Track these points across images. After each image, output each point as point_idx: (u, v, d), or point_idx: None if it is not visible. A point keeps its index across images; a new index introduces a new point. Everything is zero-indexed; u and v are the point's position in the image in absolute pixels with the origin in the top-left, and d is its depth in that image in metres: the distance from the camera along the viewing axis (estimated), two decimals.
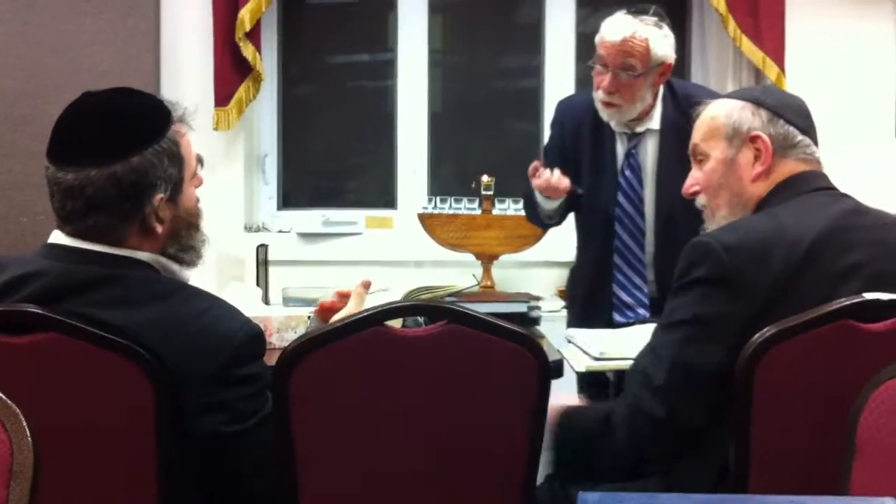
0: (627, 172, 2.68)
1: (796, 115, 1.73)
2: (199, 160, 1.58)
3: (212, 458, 1.46)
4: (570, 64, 3.71)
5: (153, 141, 1.49)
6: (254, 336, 1.49)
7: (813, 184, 1.67)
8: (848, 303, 1.49)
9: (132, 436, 1.44)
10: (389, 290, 1.97)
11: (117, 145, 1.47)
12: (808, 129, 1.73)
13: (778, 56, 3.36)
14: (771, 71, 3.34)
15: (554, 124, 2.84)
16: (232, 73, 3.36)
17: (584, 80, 3.63)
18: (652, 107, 2.65)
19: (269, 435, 1.48)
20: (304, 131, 3.80)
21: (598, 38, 2.61)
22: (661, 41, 2.57)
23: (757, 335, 1.47)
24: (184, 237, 1.55)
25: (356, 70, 3.94)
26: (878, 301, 1.49)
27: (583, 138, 2.72)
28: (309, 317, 2.22)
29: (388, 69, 3.80)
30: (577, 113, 2.75)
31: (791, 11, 3.39)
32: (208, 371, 1.42)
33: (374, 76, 3.91)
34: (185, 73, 3.39)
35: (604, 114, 2.63)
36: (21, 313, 1.42)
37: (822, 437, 1.48)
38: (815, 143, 1.74)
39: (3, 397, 1.06)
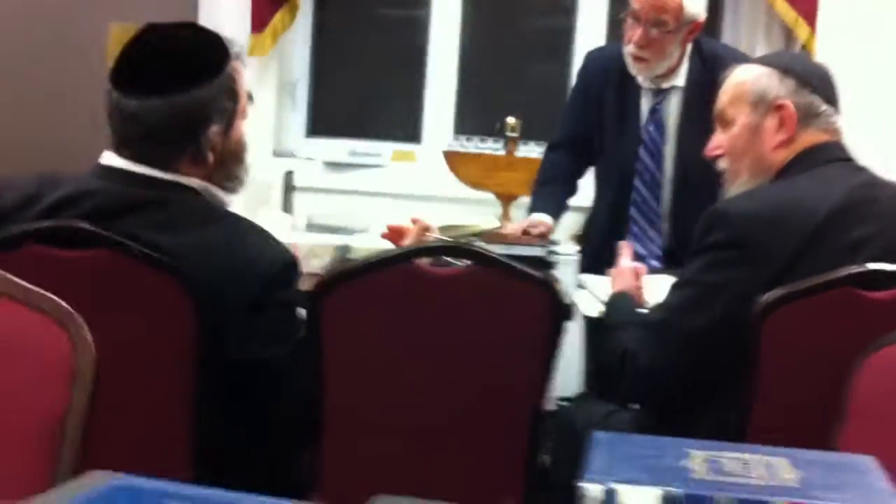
0: (651, 127, 2.73)
1: (823, 85, 1.78)
2: (250, 96, 1.66)
3: (247, 383, 1.55)
4: (603, 5, 3.72)
5: (213, 76, 1.56)
6: (291, 263, 1.58)
7: (832, 154, 1.73)
8: (854, 271, 1.57)
9: (174, 353, 1.53)
10: None
11: (180, 78, 1.54)
12: (832, 99, 1.79)
13: (810, 16, 3.37)
14: (802, 31, 3.35)
15: (580, 74, 2.89)
16: (268, 0, 3.39)
17: (616, 23, 3.67)
18: (679, 64, 2.69)
19: (301, 361, 1.57)
20: (336, 60, 3.85)
21: None
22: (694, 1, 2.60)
23: (764, 296, 1.56)
24: (231, 167, 1.63)
25: (390, 1, 3.97)
26: (882, 271, 1.56)
27: (608, 90, 2.77)
28: (335, 246, 2.32)
29: (421, 1, 3.83)
30: (604, 65, 2.79)
31: None
32: (248, 294, 1.51)
33: (406, 5, 3.94)
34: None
35: (632, 68, 2.67)
36: (74, 229, 1.50)
37: (821, 398, 1.55)
38: (838, 112, 1.79)
39: (65, 304, 1.15)
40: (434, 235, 1.96)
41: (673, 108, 2.73)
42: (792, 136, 1.74)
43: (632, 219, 2.78)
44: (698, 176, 2.47)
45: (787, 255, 1.59)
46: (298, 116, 3.76)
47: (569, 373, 2.18)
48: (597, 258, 2.86)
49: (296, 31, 3.60)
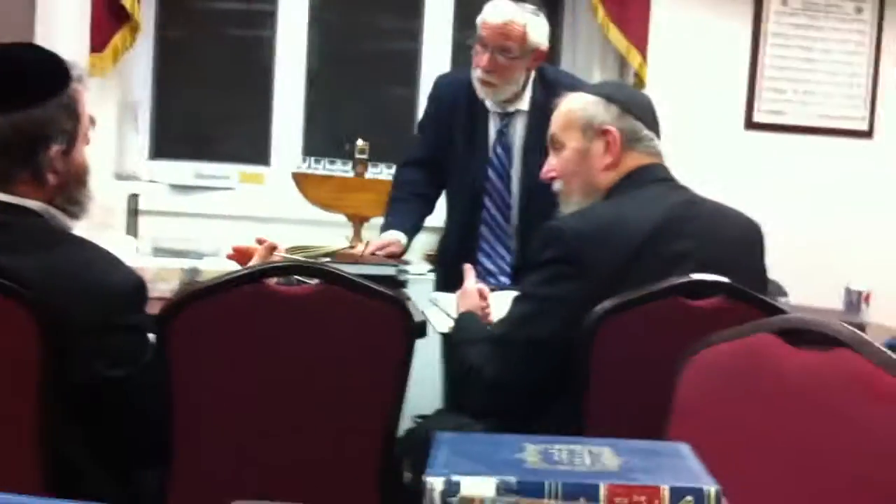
0: (498, 149, 2.86)
1: (643, 112, 1.92)
2: (92, 120, 1.65)
3: (95, 402, 1.54)
4: (447, 29, 3.84)
5: (53, 95, 1.55)
6: (138, 286, 1.58)
7: (654, 175, 1.87)
8: (679, 282, 1.70)
9: (15, 379, 1.50)
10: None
11: (19, 96, 1.53)
12: (653, 124, 1.93)
13: (641, 45, 3.58)
14: (634, 59, 3.56)
15: (431, 99, 3.00)
16: (109, 19, 3.33)
17: (460, 46, 3.80)
18: (523, 89, 2.83)
19: (151, 381, 1.57)
20: (180, 80, 3.81)
21: (479, 20, 2.77)
22: (537, 28, 2.76)
23: (596, 308, 1.67)
24: (73, 190, 1.62)
25: (234, 19, 3.96)
26: (703, 281, 1.70)
27: (458, 114, 2.88)
28: (183, 269, 2.31)
29: (267, 20, 3.84)
30: (454, 90, 2.91)
31: (657, 3, 3.62)
32: (95, 318, 1.50)
33: (252, 26, 3.94)
34: (61, 16, 3.35)
35: (480, 91, 2.80)
36: None
37: (652, 402, 1.67)
38: (658, 137, 1.94)
39: None
40: (280, 255, 2.00)
41: (518, 131, 2.86)
42: (617, 158, 1.87)
43: (482, 237, 2.89)
44: (543, 195, 2.59)
45: (614, 268, 1.71)
46: (141, 138, 3.70)
47: (427, 390, 2.24)
48: (450, 276, 2.95)
49: (137, 50, 3.54)
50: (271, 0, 3.79)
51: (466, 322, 1.99)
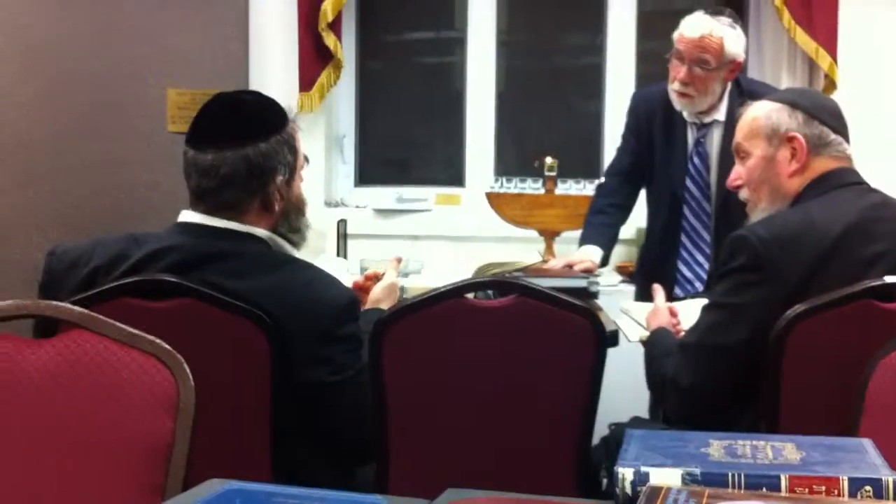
0: (696, 159, 2.91)
1: (830, 116, 1.92)
2: (306, 158, 1.85)
3: (317, 404, 1.72)
4: (631, 43, 3.88)
5: (277, 131, 1.77)
6: (352, 301, 1.75)
7: (843, 179, 1.87)
8: (870, 284, 1.70)
9: (251, 386, 1.70)
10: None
11: (249, 132, 1.75)
12: (841, 128, 1.93)
13: (830, 46, 3.50)
14: (824, 61, 3.48)
15: (630, 112, 3.09)
16: (314, 59, 3.60)
17: (644, 56, 3.85)
18: (720, 100, 2.87)
19: (365, 385, 1.74)
20: (380, 111, 4.05)
21: (676, 34, 2.83)
22: (734, 41, 2.80)
23: (788, 312, 1.70)
24: (293, 219, 1.83)
25: (427, 47, 4.16)
26: None
27: (655, 126, 2.96)
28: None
29: (456, 46, 4.02)
30: (650, 103, 2.99)
31: (844, 2, 3.53)
32: (315, 330, 1.69)
33: (444, 53, 4.14)
34: (271, 60, 3.65)
35: (677, 103, 2.86)
36: (161, 281, 1.69)
37: (844, 405, 1.69)
38: (847, 140, 1.93)
39: (168, 347, 1.33)
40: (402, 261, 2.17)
41: (715, 141, 2.91)
42: (804, 164, 1.88)
43: (682, 244, 2.95)
44: (740, 203, 2.63)
45: (803, 274, 1.73)
46: (347, 168, 3.96)
47: (624, 399, 2.31)
48: (649, 281, 3.02)
49: (340, 85, 3.79)
50: (460, 27, 3.98)
51: (659, 337, 2.05)
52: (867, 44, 3.59)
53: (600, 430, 1.95)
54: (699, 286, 2.90)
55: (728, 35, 2.79)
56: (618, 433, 2.10)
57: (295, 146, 1.80)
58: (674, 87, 2.84)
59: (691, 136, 2.93)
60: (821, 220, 1.77)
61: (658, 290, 2.25)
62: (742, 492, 0.90)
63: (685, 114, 2.90)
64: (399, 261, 2.24)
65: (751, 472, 0.91)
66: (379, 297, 2.07)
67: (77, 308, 1.39)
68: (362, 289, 2.14)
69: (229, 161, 1.73)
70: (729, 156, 2.88)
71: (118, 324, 1.34)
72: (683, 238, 2.95)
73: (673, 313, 2.15)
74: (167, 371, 1.30)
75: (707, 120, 2.90)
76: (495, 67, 3.94)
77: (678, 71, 2.81)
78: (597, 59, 3.96)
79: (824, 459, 0.95)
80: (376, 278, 2.15)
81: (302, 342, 1.68)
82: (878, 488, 0.89)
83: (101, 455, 1.29)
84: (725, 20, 2.82)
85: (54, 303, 1.43)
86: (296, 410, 1.72)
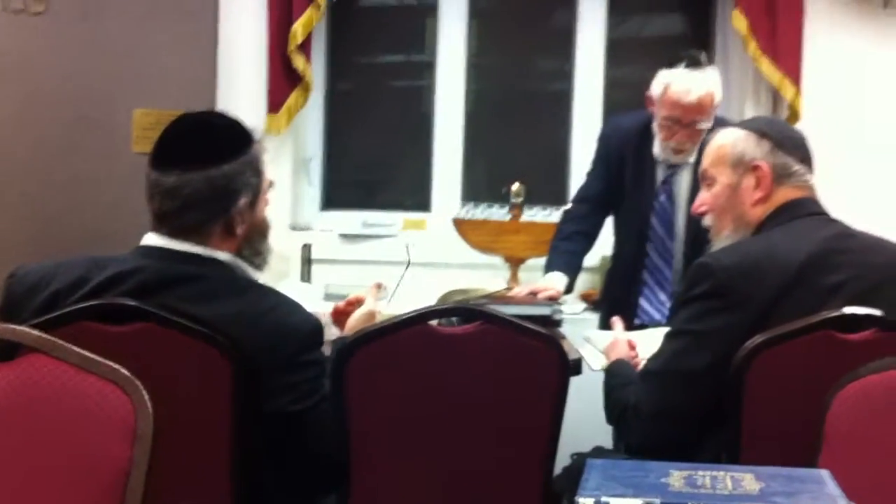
0: (662, 197, 2.92)
1: (795, 147, 1.95)
2: (271, 183, 1.85)
3: (280, 433, 1.71)
4: (599, 68, 3.91)
5: (241, 153, 1.76)
6: (316, 328, 1.74)
7: (806, 209, 1.89)
8: (831, 315, 1.72)
9: (212, 411, 1.68)
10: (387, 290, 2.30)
11: (213, 154, 1.73)
12: (805, 159, 1.95)
13: (794, 76, 3.55)
14: (788, 91, 3.54)
15: (601, 139, 3.09)
16: (283, 81, 3.60)
17: (613, 83, 3.88)
18: None
19: (327, 413, 1.73)
20: (347, 134, 4.04)
21: (666, 97, 2.78)
22: (720, 88, 2.81)
23: (748, 342, 1.71)
24: (256, 242, 1.81)
25: (396, 70, 4.17)
26: (856, 315, 1.71)
27: (626, 159, 2.96)
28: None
29: (425, 70, 4.03)
30: (623, 135, 2.98)
31: (809, 33, 3.58)
32: (279, 357, 1.67)
33: (413, 76, 4.15)
34: (240, 81, 3.63)
35: (672, 157, 2.86)
36: (121, 306, 1.67)
37: (804, 433, 1.70)
38: (811, 171, 1.96)
39: (126, 372, 1.31)
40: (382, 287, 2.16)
41: (684, 182, 2.91)
42: (768, 193, 1.90)
43: (644, 281, 2.95)
44: (707, 247, 2.65)
45: (766, 302, 1.75)
46: (313, 191, 3.95)
47: (586, 429, 2.31)
48: (613, 310, 3.04)
49: (308, 108, 3.78)
50: (430, 51, 3.99)
51: (618, 368, 2.05)
52: (831, 74, 3.65)
53: (562, 460, 1.95)
54: (660, 321, 2.91)
55: (717, 86, 2.79)
56: (580, 463, 2.10)
57: (259, 168, 1.79)
58: (670, 145, 2.83)
59: (660, 174, 2.93)
60: (783, 249, 1.79)
61: (617, 322, 2.26)
62: None
63: (656, 152, 2.90)
64: (379, 287, 2.22)
65: (710, 503, 0.92)
66: (355, 325, 2.05)
67: (35, 332, 1.37)
68: (343, 313, 2.12)
69: (192, 182, 1.71)
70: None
71: (76, 349, 1.33)
72: (646, 275, 2.96)
73: (632, 346, 2.15)
74: (126, 397, 1.28)
75: (676, 161, 2.90)
76: (464, 91, 3.95)
77: (675, 132, 2.79)
78: (566, 85, 3.98)
79: (783, 490, 0.95)
80: (358, 303, 2.13)
81: (265, 369, 1.67)
82: None
83: (57, 481, 1.27)
84: (709, 69, 2.80)
85: (12, 326, 1.41)
86: (258, 438, 1.70)
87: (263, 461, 1.72)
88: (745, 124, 2.05)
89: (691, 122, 2.77)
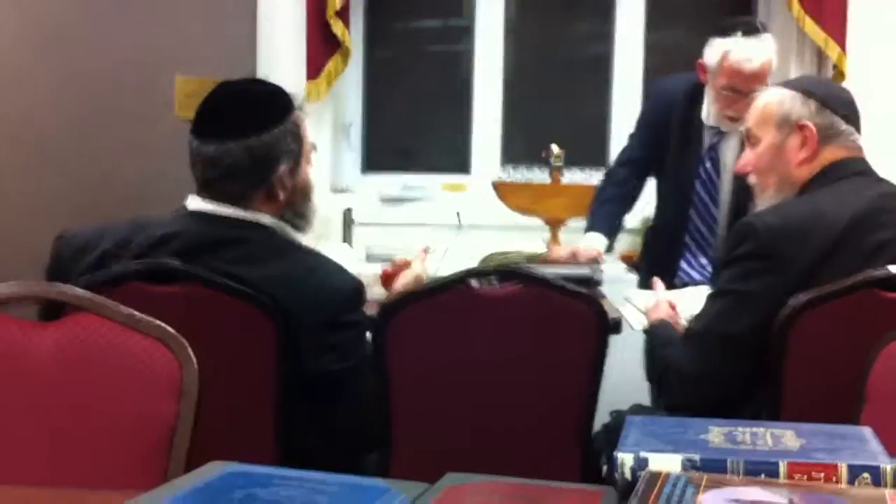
0: (707, 163, 2.88)
1: (842, 106, 1.92)
2: (314, 146, 1.86)
3: (322, 392, 1.73)
4: (639, 32, 3.86)
5: (281, 122, 1.76)
6: (358, 289, 1.76)
7: (852, 169, 1.86)
8: (874, 275, 1.70)
9: (256, 372, 1.71)
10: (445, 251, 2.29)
11: (252, 123, 1.75)
12: (853, 118, 1.92)
13: (839, 36, 3.48)
14: (833, 51, 3.47)
15: (648, 103, 3.08)
16: (322, 48, 3.60)
17: (652, 47, 3.84)
18: None
19: (367, 373, 1.75)
20: (387, 99, 4.05)
21: (725, 65, 2.72)
22: (775, 54, 2.75)
23: (792, 301, 1.70)
24: (299, 205, 1.83)
25: (434, 35, 4.16)
26: None
27: (673, 122, 2.92)
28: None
29: (464, 35, 4.01)
30: (671, 98, 2.93)
31: None
32: (321, 318, 1.69)
33: (451, 41, 4.13)
34: (279, 48, 3.64)
35: (724, 126, 2.81)
36: (168, 267, 1.70)
37: (847, 391, 1.69)
38: (859, 131, 1.93)
39: (172, 330, 1.33)
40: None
41: (731, 149, 2.86)
42: (814, 153, 1.88)
43: (686, 245, 2.93)
44: (751, 209, 2.61)
45: (810, 262, 1.73)
46: (353, 155, 3.97)
47: (626, 388, 2.32)
48: (652, 275, 3.02)
49: (348, 73, 3.79)
50: (468, 15, 3.97)
51: (660, 329, 2.05)
52: (876, 35, 3.57)
53: (601, 418, 1.96)
54: (702, 283, 2.89)
55: (774, 53, 2.73)
56: (619, 420, 2.10)
57: (300, 134, 1.80)
58: (727, 113, 2.77)
59: (707, 139, 2.89)
60: (829, 210, 1.77)
61: (658, 283, 2.25)
62: (741, 478, 0.90)
63: (706, 117, 2.85)
64: (426, 251, 2.23)
65: (750, 459, 0.91)
66: (402, 289, 2.07)
67: (81, 291, 1.40)
68: (392, 276, 2.14)
69: (232, 152, 1.73)
70: None
71: (122, 307, 1.35)
72: (688, 239, 2.93)
73: (672, 306, 2.14)
74: (171, 354, 1.31)
75: (729, 128, 2.84)
76: (503, 56, 3.93)
77: (733, 102, 2.72)
78: (605, 49, 3.95)
79: (824, 447, 0.95)
80: (406, 267, 2.15)
81: (307, 330, 1.69)
82: (877, 475, 0.89)
83: (105, 437, 1.30)
84: (766, 36, 2.74)
85: (59, 285, 1.44)
86: (302, 397, 1.72)
87: (307, 418, 1.75)
88: (790, 84, 2.02)
89: (751, 90, 2.71)
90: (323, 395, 1.73)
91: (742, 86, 2.72)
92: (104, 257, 1.74)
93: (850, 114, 1.93)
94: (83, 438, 1.33)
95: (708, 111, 2.84)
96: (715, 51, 2.76)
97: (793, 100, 1.91)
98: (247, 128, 1.74)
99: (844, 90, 2.02)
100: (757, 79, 2.70)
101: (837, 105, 1.91)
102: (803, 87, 1.94)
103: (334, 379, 1.72)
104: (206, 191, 1.77)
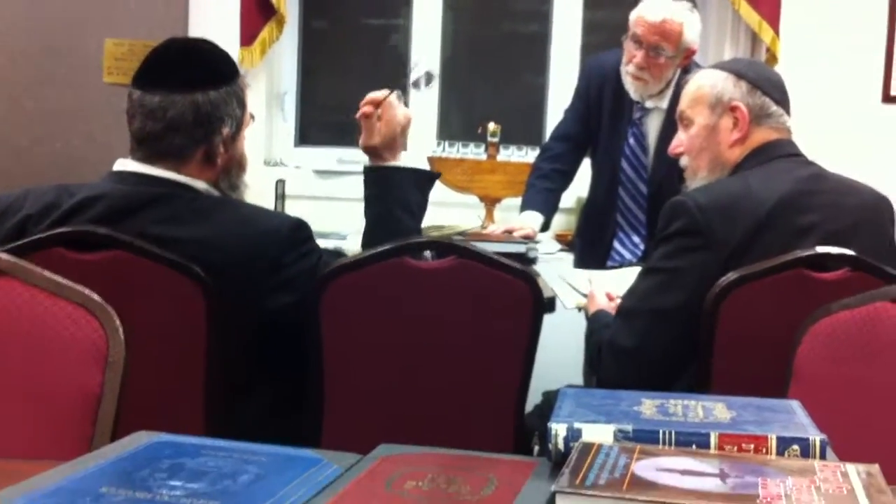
0: (631, 140, 2.91)
1: (773, 88, 1.94)
2: (252, 116, 1.82)
3: (275, 330, 1.70)
4: (577, 11, 3.88)
5: (228, 83, 1.73)
6: (297, 224, 1.74)
7: (782, 150, 1.90)
8: (803, 254, 1.73)
9: (185, 339, 1.68)
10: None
11: (200, 79, 1.71)
12: (783, 101, 1.95)
13: (774, 20, 3.54)
14: (766, 34, 3.53)
15: (581, 78, 3.08)
16: (257, 14, 3.54)
17: (590, 26, 3.85)
18: (668, 87, 2.85)
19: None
20: (323, 70, 4.00)
21: (634, 15, 2.79)
22: (693, 27, 2.78)
23: (721, 279, 1.72)
24: (233, 175, 1.79)
25: (372, 8, 4.11)
26: (828, 254, 1.73)
27: (605, 97, 2.94)
28: (327, 250, 2.47)
29: (402, 8, 3.97)
30: (603, 73, 2.96)
31: None
32: (266, 261, 1.67)
33: (389, 15, 4.09)
34: (212, 13, 3.57)
35: (629, 86, 2.84)
36: (93, 233, 1.65)
37: (775, 367, 1.72)
38: (788, 113, 1.96)
39: (99, 298, 1.30)
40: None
41: (654, 127, 2.89)
42: (745, 134, 1.90)
43: (617, 224, 2.95)
44: (674, 191, 2.65)
45: (740, 241, 1.75)
46: (287, 126, 3.91)
47: (559, 369, 2.33)
48: (586, 253, 3.05)
49: (283, 42, 3.73)
50: None
51: (598, 315, 2.06)
52: (810, 20, 3.64)
53: (534, 399, 1.96)
54: (634, 262, 2.92)
55: (688, 21, 2.76)
56: (550, 399, 2.11)
57: (243, 100, 1.77)
58: (628, 69, 2.81)
59: (632, 114, 2.92)
60: (758, 189, 1.80)
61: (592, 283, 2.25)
62: (673, 448, 0.91)
63: (631, 93, 2.89)
64: (398, 96, 2.10)
65: (681, 430, 0.92)
66: (390, 132, 2.04)
67: (5, 256, 1.35)
68: (370, 117, 2.04)
69: (177, 105, 1.69)
70: (667, 144, 2.91)
71: (47, 273, 1.31)
72: (619, 218, 2.96)
73: (610, 298, 2.15)
74: (97, 322, 1.27)
75: (649, 105, 2.88)
76: (440, 31, 3.91)
77: (634, 55, 2.78)
78: (543, 27, 3.95)
79: (754, 419, 0.96)
80: (373, 104, 2.05)
81: (256, 275, 1.66)
82: (806, 447, 0.91)
83: (27, 405, 1.26)
84: (686, 4, 2.78)
85: None
86: (233, 363, 1.69)
87: (240, 386, 1.72)
88: (723, 65, 2.04)
89: (651, 44, 2.75)
90: (284, 331, 1.71)
91: (643, 36, 2.76)
92: (27, 222, 1.69)
93: (781, 96, 1.95)
94: (4, 406, 1.28)
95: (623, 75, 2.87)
96: (634, 10, 2.82)
97: (725, 81, 1.94)
98: (195, 83, 1.70)
99: (775, 73, 2.05)
100: (658, 31, 2.73)
101: (768, 87, 1.94)
102: (735, 69, 1.97)
103: (283, 314, 1.70)
104: (141, 146, 1.72)
